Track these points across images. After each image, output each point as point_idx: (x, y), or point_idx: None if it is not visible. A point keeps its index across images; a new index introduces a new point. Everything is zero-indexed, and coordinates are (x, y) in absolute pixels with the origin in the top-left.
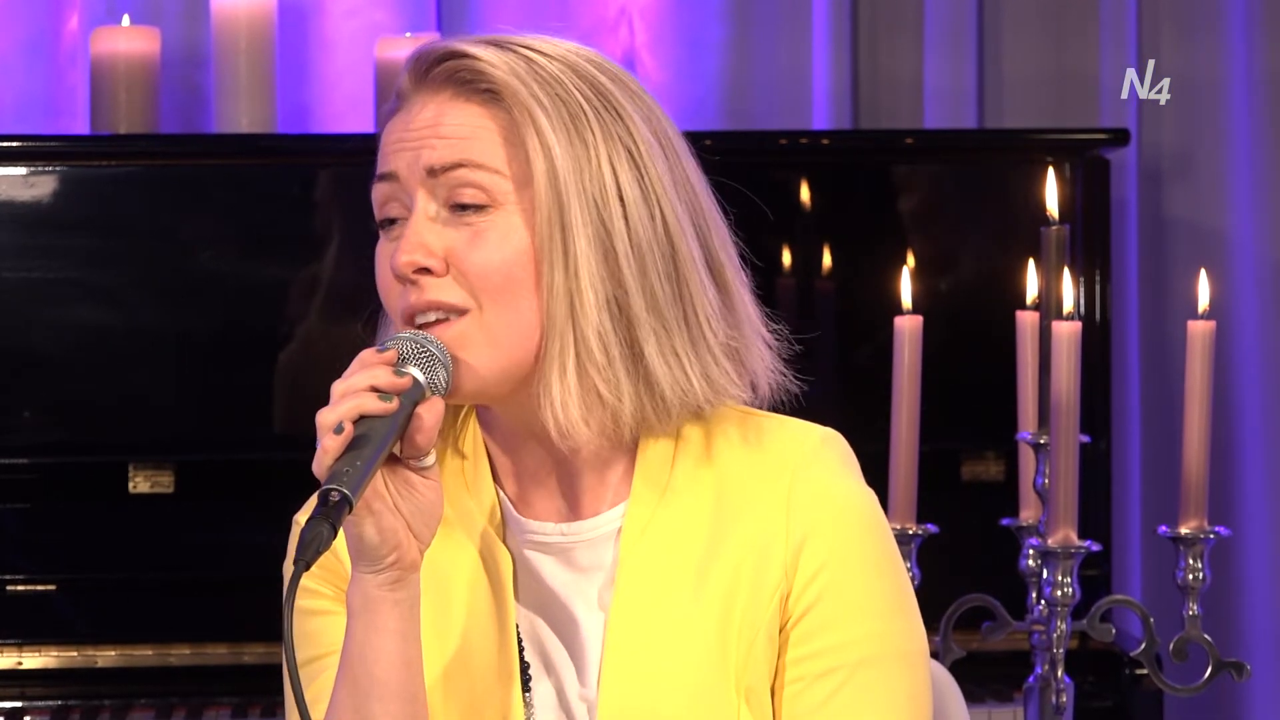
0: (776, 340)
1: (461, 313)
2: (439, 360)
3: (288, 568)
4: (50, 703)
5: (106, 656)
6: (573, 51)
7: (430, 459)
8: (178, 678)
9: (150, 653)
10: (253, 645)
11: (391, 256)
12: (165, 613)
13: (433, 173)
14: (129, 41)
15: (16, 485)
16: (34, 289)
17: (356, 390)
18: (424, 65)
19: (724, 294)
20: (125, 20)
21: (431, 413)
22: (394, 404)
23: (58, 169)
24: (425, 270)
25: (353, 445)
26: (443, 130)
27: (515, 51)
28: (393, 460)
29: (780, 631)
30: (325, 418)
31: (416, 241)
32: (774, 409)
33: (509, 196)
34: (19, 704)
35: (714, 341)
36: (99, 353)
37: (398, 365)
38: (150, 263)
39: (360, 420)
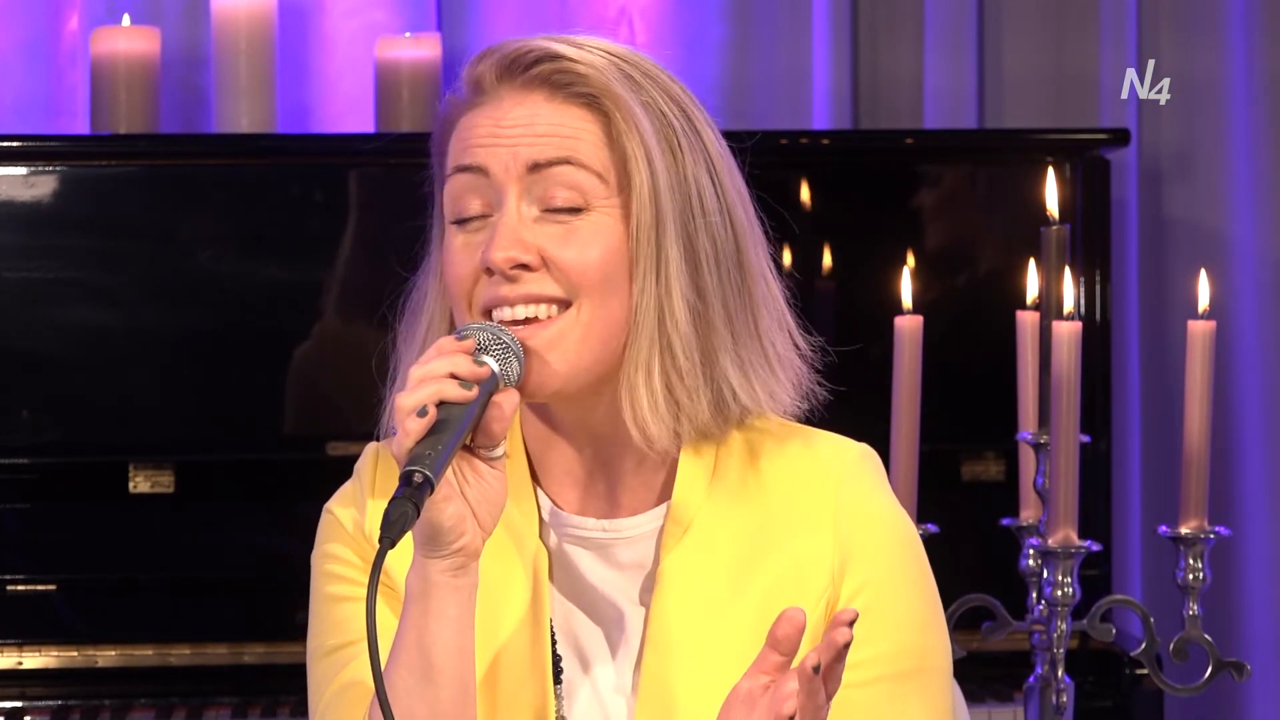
0: (812, 351)
1: (561, 305)
2: (513, 351)
3: (317, 557)
4: (50, 703)
5: (106, 656)
6: (645, 59)
7: (500, 449)
8: (178, 678)
9: (150, 653)
10: (253, 645)
11: (485, 250)
12: (165, 613)
13: (535, 168)
14: (129, 41)
15: (16, 485)
16: (34, 289)
17: (437, 376)
18: (520, 65)
19: (775, 304)
20: (125, 20)
21: (510, 402)
22: (473, 392)
23: (58, 169)
24: (522, 265)
25: (431, 430)
26: (541, 129)
27: (603, 56)
28: (464, 449)
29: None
30: (405, 401)
31: (513, 237)
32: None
33: (603, 201)
34: (19, 704)
35: (772, 353)
36: (99, 353)
37: (475, 354)
38: (150, 263)
39: (439, 406)
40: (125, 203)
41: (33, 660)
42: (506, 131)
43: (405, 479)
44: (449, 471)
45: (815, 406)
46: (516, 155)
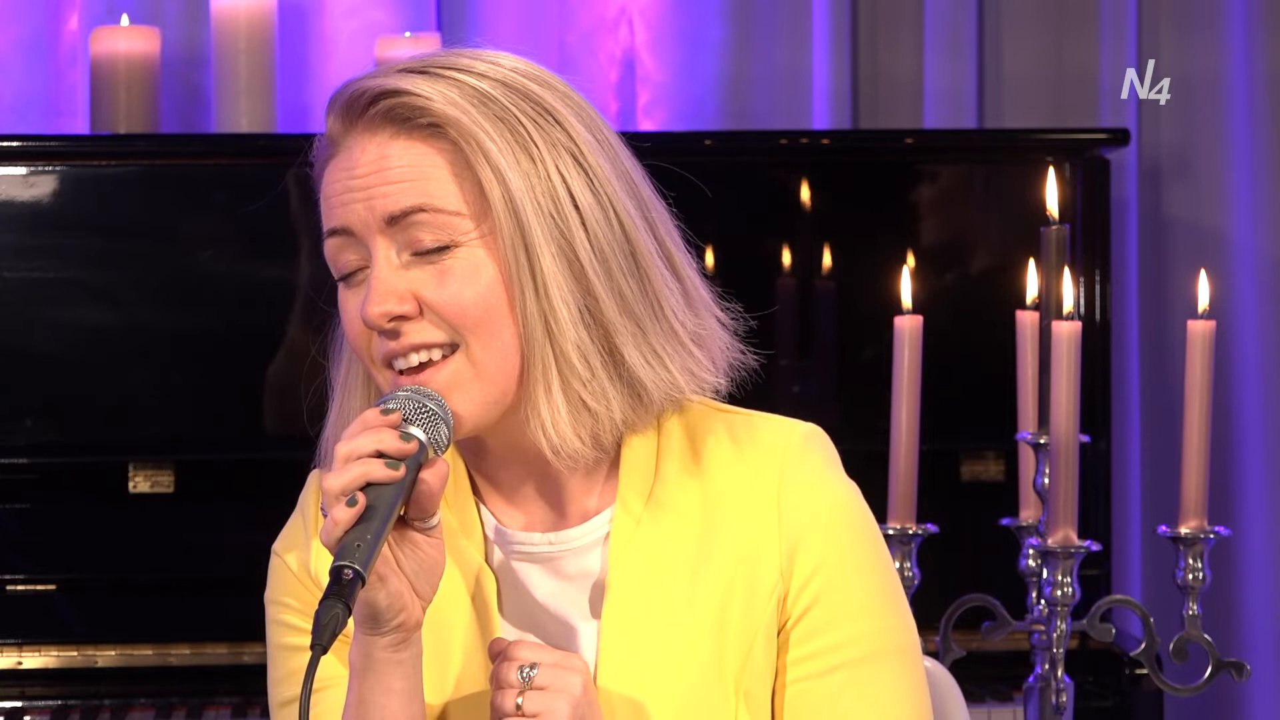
0: (731, 319)
1: (449, 349)
2: (440, 417)
3: (268, 603)
4: (50, 702)
5: (106, 656)
6: (498, 64)
7: (435, 519)
8: (177, 677)
9: (150, 653)
10: (252, 645)
11: (361, 308)
12: (165, 613)
13: (391, 220)
14: (129, 41)
15: (16, 485)
16: (34, 289)
17: (362, 455)
18: (357, 107)
19: (680, 281)
20: (125, 20)
21: (437, 476)
22: (400, 471)
23: (58, 169)
24: (400, 317)
25: (360, 518)
26: (391, 174)
27: (446, 78)
28: (399, 521)
29: (779, 632)
30: (332, 484)
31: (385, 290)
32: (738, 387)
33: (469, 234)
34: (19, 704)
35: (683, 332)
36: (99, 353)
37: (401, 426)
38: (150, 263)
39: (368, 488)
40: (125, 203)
41: (32, 660)
42: (360, 182)
43: (335, 575)
44: (386, 548)
45: (813, 406)
46: (372, 209)
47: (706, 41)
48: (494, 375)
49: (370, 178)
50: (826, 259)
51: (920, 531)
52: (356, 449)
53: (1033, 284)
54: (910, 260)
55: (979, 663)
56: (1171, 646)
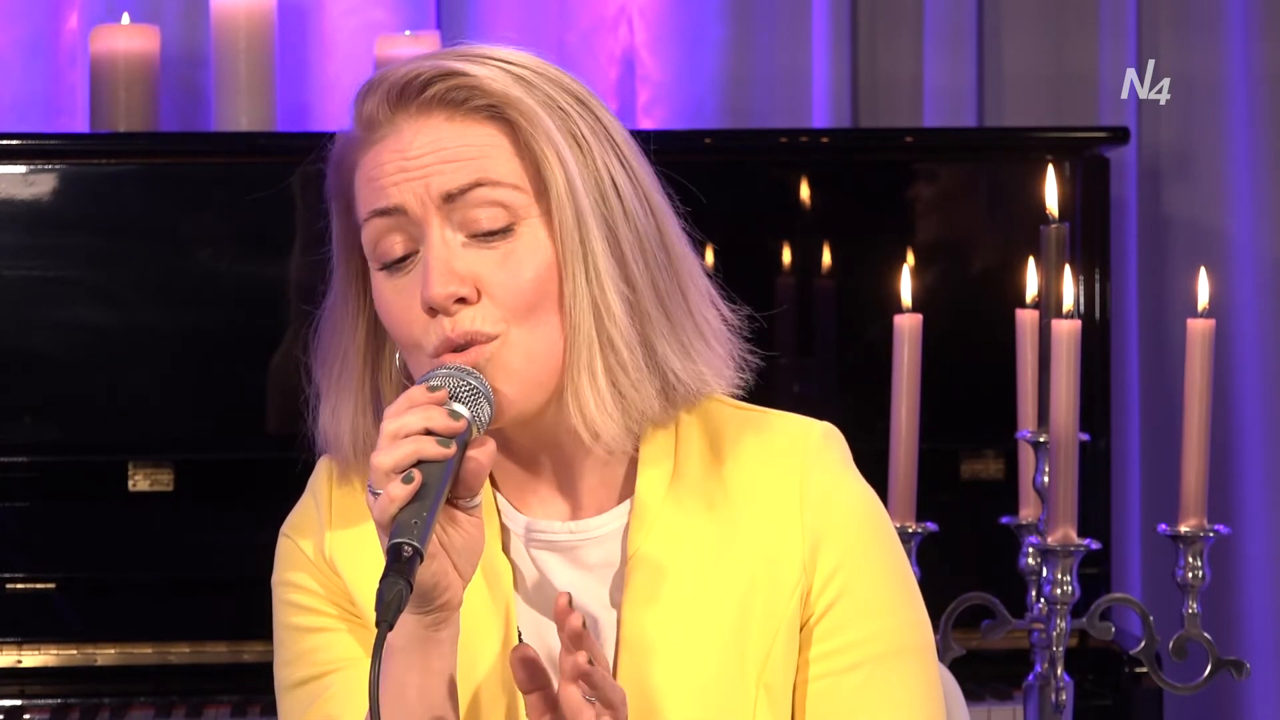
0: (738, 321)
1: (496, 337)
2: (483, 394)
3: (278, 585)
4: (50, 701)
5: (106, 655)
6: (525, 55)
7: (478, 499)
8: (177, 676)
9: (150, 651)
10: (252, 644)
11: (423, 289)
12: (164, 611)
13: (449, 198)
14: (129, 40)
15: (16, 485)
16: (34, 289)
17: (412, 433)
18: (411, 92)
19: (700, 278)
20: (125, 19)
21: (485, 454)
22: (451, 449)
23: (57, 167)
24: (460, 300)
25: (416, 493)
26: (448, 154)
27: (488, 64)
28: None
29: (801, 629)
30: (383, 461)
31: (447, 270)
32: (740, 386)
33: (529, 210)
34: (19, 702)
35: (706, 328)
36: (99, 352)
37: (446, 403)
38: (150, 262)
39: (419, 465)
40: (125, 201)
41: (32, 658)
42: (414, 163)
43: (394, 553)
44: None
45: (813, 405)
46: (429, 187)
47: (706, 41)
48: (541, 358)
49: (426, 157)
50: (826, 258)
51: (920, 530)
52: (405, 426)
53: (1032, 283)
54: (910, 259)
55: (979, 661)
56: (1171, 645)
